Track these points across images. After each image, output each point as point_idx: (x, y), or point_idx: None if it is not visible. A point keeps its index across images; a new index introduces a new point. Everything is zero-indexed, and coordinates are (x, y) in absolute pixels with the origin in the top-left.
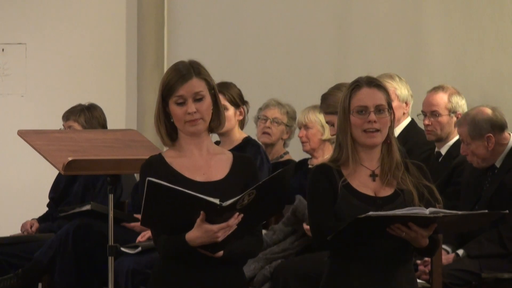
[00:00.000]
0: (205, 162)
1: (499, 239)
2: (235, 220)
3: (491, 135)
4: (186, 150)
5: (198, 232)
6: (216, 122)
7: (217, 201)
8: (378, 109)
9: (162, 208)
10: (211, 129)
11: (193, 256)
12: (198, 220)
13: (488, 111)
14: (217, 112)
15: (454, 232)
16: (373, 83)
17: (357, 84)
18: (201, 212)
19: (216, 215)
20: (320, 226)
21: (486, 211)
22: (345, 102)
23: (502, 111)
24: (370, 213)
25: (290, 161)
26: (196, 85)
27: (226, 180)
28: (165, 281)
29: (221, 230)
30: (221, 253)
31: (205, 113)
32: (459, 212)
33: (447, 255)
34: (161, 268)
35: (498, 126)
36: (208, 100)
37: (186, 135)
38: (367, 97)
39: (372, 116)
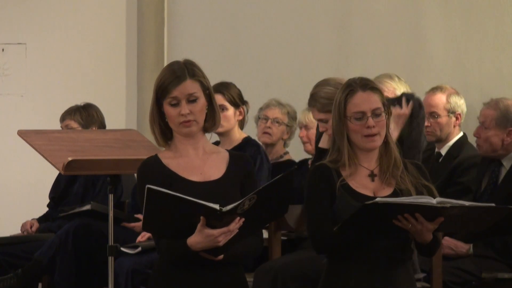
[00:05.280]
0: (201, 161)
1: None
2: (236, 224)
3: None
4: (182, 150)
5: (199, 237)
6: (210, 123)
7: (217, 206)
8: (375, 113)
9: (163, 214)
10: (205, 129)
11: (194, 259)
12: (198, 226)
13: None
14: (212, 113)
15: (458, 232)
16: (368, 86)
17: (351, 89)
18: (201, 218)
19: (216, 220)
20: (318, 229)
21: (493, 204)
22: (340, 107)
23: None
24: (378, 199)
25: (290, 161)
26: (190, 86)
27: (223, 180)
28: (165, 282)
29: (222, 235)
30: (221, 256)
31: (198, 114)
32: (466, 203)
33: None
34: (161, 269)
35: None
36: (202, 101)
37: (181, 136)
38: (363, 102)
39: (371, 122)
